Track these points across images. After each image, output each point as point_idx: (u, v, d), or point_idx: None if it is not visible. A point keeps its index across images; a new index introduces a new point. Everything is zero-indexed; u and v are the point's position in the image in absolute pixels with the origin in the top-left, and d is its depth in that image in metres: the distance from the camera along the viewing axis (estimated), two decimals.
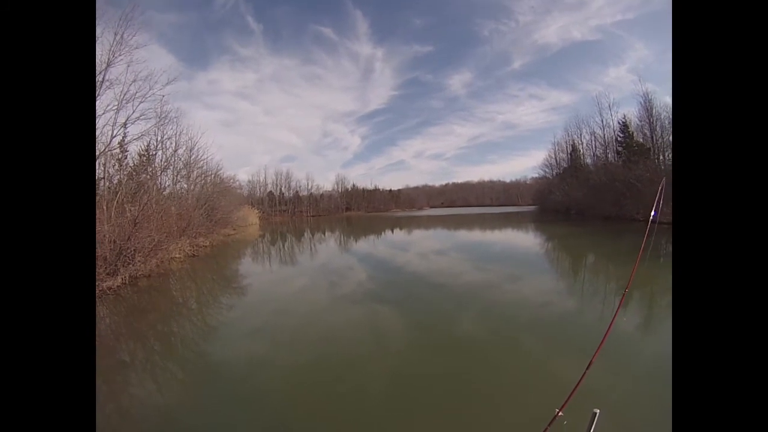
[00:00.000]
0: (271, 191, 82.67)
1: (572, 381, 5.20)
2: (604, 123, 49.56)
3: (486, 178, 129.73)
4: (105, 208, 14.69)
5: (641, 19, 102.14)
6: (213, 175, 33.70)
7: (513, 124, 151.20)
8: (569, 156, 57.53)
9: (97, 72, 13.23)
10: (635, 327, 8.13)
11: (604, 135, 49.81)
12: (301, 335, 8.18)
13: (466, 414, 4.87)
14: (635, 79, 52.66)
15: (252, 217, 52.50)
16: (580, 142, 55.51)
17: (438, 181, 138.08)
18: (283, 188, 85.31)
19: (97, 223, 13.79)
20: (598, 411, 2.08)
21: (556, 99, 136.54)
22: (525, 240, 28.01)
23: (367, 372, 6.24)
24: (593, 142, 52.06)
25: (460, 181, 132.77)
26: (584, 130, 53.93)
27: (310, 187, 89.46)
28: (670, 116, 40.39)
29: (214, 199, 30.70)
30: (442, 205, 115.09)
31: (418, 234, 35.24)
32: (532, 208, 72.20)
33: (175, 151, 25.98)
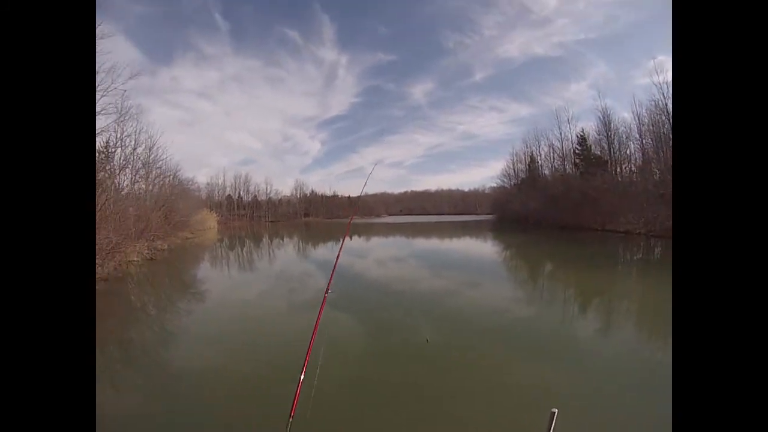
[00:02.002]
0: (229, 195, 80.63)
1: (528, 383, 5.77)
2: (563, 136, 51.21)
3: (444, 187, 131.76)
4: None
5: (603, 39, 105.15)
6: (172, 176, 32.60)
7: (473, 134, 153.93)
8: (527, 167, 58.93)
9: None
10: (594, 331, 8.67)
11: (563, 147, 51.47)
12: (259, 343, 7.98)
13: (424, 420, 4.92)
14: (594, 95, 54.83)
15: (210, 221, 51.11)
16: (538, 153, 57.02)
17: (396, 189, 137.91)
18: (241, 192, 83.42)
19: None
20: (556, 410, 2.17)
21: (516, 111, 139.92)
22: (483, 248, 28.54)
23: (326, 380, 6.12)
24: (551, 153, 53.54)
25: (418, 189, 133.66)
26: (543, 142, 55.42)
27: (269, 191, 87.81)
28: (629, 130, 42.51)
29: (172, 201, 29.66)
30: (400, 213, 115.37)
31: (377, 241, 35.17)
32: (489, 217, 73.07)
33: (134, 149, 24.92)
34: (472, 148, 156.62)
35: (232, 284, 15.81)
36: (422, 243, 33.02)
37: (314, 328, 2.97)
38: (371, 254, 24.17)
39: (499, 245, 29.76)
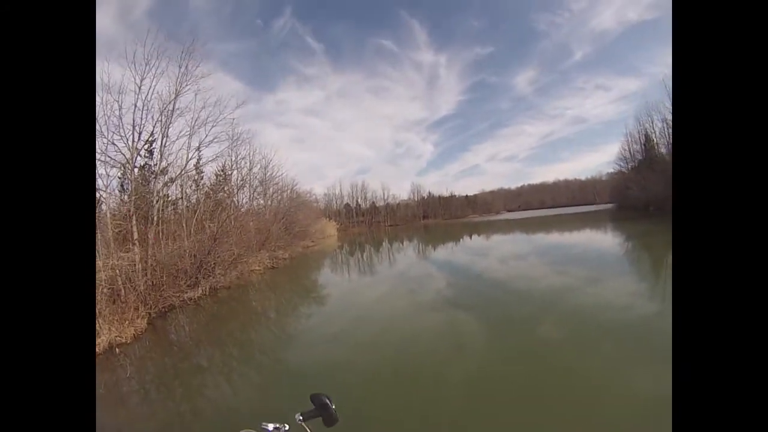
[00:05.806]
0: (347, 203, 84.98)
1: (644, 389, 5.20)
2: None
3: (561, 177, 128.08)
4: (185, 225, 16.36)
5: None
6: (289, 191, 35.59)
7: (583, 118, 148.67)
8: (643, 147, 53.26)
9: (166, 101, 14.70)
10: None
11: None
12: (380, 340, 8.28)
13: (537, 413, 4.92)
14: None
15: (330, 229, 54.25)
16: (652, 130, 51.05)
17: (513, 184, 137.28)
18: (359, 199, 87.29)
19: (178, 239, 15.22)
20: None
21: (624, 87, 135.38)
22: (603, 241, 26.39)
23: (446, 375, 6.30)
24: (665, 129, 47.35)
25: (535, 182, 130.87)
26: (655, 118, 49.70)
27: (386, 197, 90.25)
28: None
29: (291, 214, 32.35)
30: (519, 208, 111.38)
31: (497, 239, 34.46)
32: (609, 206, 68.29)
33: (250, 169, 27.85)
34: (585, 132, 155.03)
35: (350, 288, 16.71)
36: (541, 239, 31.11)
37: None
38: (491, 252, 24.08)
39: (619, 237, 27.24)
